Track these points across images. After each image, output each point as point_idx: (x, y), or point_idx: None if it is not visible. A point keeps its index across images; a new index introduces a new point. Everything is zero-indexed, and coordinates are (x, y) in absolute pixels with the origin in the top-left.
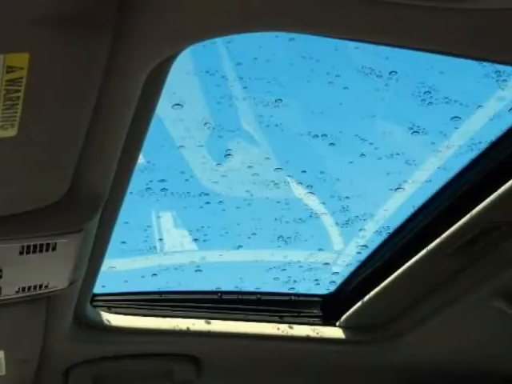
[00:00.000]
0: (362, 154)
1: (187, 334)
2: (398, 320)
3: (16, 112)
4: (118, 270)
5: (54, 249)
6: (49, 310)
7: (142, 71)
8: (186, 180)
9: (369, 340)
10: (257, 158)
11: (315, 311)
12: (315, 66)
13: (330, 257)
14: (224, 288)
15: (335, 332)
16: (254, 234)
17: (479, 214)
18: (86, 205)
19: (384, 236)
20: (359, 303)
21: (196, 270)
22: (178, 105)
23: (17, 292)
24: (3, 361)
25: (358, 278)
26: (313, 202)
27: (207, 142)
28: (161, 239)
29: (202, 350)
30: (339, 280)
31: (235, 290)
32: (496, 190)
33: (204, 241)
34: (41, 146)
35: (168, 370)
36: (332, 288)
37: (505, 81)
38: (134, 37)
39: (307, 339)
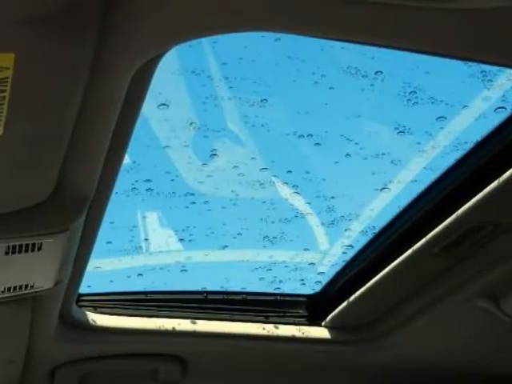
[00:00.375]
0: (348, 154)
1: (173, 333)
2: (384, 320)
3: (1, 112)
4: (104, 270)
5: (39, 249)
6: (34, 310)
7: (128, 71)
8: (172, 180)
9: (354, 340)
10: (242, 158)
11: (301, 311)
12: (301, 65)
13: (316, 257)
14: (209, 288)
15: (321, 332)
16: (239, 234)
17: (465, 213)
18: (72, 205)
19: (369, 236)
20: (345, 303)
21: (181, 270)
22: (164, 105)
23: (2, 292)
24: None
25: (343, 278)
26: (298, 202)
27: (193, 142)
28: (146, 239)
29: (188, 350)
30: (325, 280)
31: (221, 290)
32: (481, 190)
33: (189, 241)
34: (26, 145)
35: (153, 370)
36: (317, 288)
37: (490, 81)
38: (119, 37)
39: (293, 339)
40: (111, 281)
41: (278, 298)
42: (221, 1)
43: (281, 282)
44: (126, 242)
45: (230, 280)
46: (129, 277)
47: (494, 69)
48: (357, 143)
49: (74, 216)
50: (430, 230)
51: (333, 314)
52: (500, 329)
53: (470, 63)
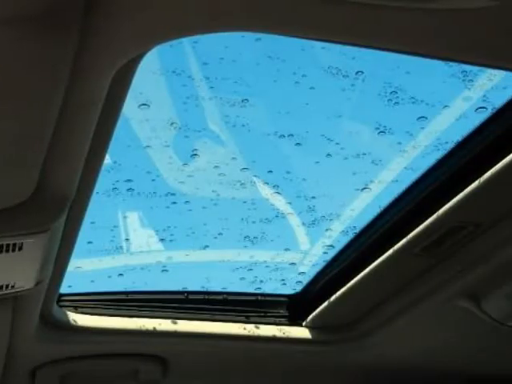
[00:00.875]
0: (329, 154)
1: (153, 333)
2: (365, 320)
3: None
4: (85, 270)
5: (20, 249)
6: (15, 310)
7: (109, 71)
8: (153, 180)
9: (335, 340)
10: (223, 158)
11: (281, 311)
12: (281, 65)
13: (297, 257)
14: (190, 288)
15: (301, 332)
16: (220, 234)
17: (445, 213)
18: (53, 205)
19: (350, 236)
20: (325, 303)
21: (162, 270)
22: (145, 105)
23: None
24: None
25: (324, 278)
26: (279, 202)
27: (173, 141)
28: (127, 239)
29: (168, 350)
30: (306, 280)
31: (201, 290)
32: (462, 190)
33: (170, 241)
34: (7, 145)
35: (134, 370)
36: (298, 288)
37: (471, 81)
38: (100, 37)
39: (273, 339)
40: (92, 281)
41: (259, 298)
42: (201, 1)
43: (262, 281)
44: (106, 242)
45: (210, 280)
46: (110, 277)
47: (475, 69)
48: (338, 143)
49: (54, 216)
50: (411, 230)
51: (314, 313)
52: (481, 329)
53: (451, 63)
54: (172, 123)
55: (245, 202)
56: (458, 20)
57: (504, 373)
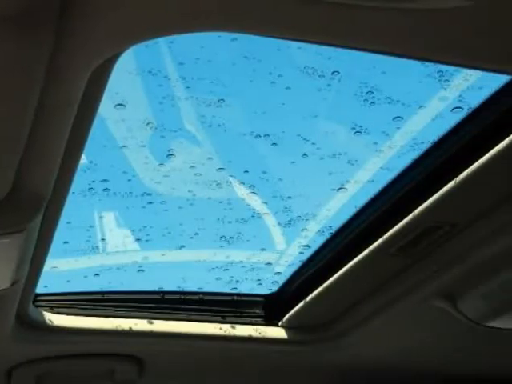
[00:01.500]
0: (305, 154)
1: (129, 333)
2: (341, 320)
3: None
4: (61, 270)
5: None
6: None
7: (85, 71)
8: (129, 180)
9: (311, 340)
10: (199, 158)
11: (257, 311)
12: (257, 65)
13: (273, 257)
14: (166, 288)
15: (277, 332)
16: (196, 234)
17: (421, 213)
18: (29, 205)
19: (326, 236)
20: (301, 303)
21: (138, 270)
22: (121, 105)
23: None
24: None
25: (300, 278)
26: (255, 202)
27: (149, 141)
28: (103, 239)
29: (144, 350)
30: (281, 280)
31: (177, 290)
32: (438, 190)
33: (146, 241)
34: None
35: (110, 370)
36: (274, 288)
37: (447, 81)
38: (75, 37)
39: (249, 339)
40: (68, 281)
41: (235, 298)
42: (177, 1)
43: (238, 282)
44: (82, 242)
45: (186, 280)
46: (85, 277)
47: (451, 69)
48: (314, 143)
49: (30, 216)
50: (387, 230)
51: (289, 313)
52: (457, 329)
53: (427, 63)
54: (148, 123)
55: (221, 202)
56: (433, 20)
57: (480, 373)
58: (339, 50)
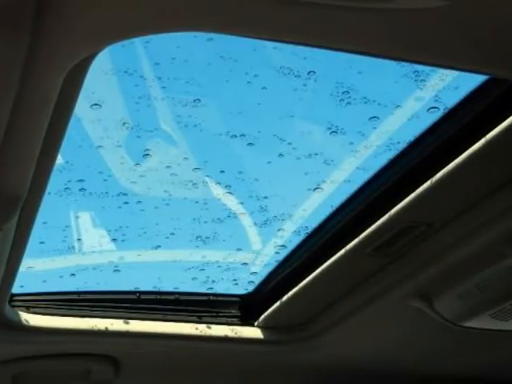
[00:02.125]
0: (281, 154)
1: (105, 333)
2: (317, 320)
3: None
4: (37, 270)
5: None
6: None
7: (61, 71)
8: (105, 180)
9: (287, 340)
10: (175, 158)
11: (233, 311)
12: (233, 65)
13: (249, 257)
14: (142, 288)
15: (254, 332)
16: (172, 234)
17: (397, 213)
18: (4, 205)
19: (302, 236)
20: (278, 303)
21: (114, 270)
22: (97, 105)
23: None
24: None
25: (276, 278)
26: (231, 202)
27: (125, 141)
28: (79, 239)
29: (121, 350)
30: (257, 280)
31: (153, 289)
32: (414, 190)
33: (122, 241)
34: None
35: (86, 370)
36: (250, 288)
37: (423, 81)
38: (51, 37)
39: (226, 339)
40: (44, 281)
41: (211, 298)
42: (153, 1)
43: (214, 281)
44: (58, 242)
45: (162, 280)
46: (61, 277)
47: (427, 69)
48: (290, 143)
49: (6, 216)
50: (363, 230)
51: (266, 313)
52: (433, 329)
53: (403, 63)
54: (124, 123)
55: (197, 202)
56: (409, 20)
57: (456, 372)
58: (315, 49)
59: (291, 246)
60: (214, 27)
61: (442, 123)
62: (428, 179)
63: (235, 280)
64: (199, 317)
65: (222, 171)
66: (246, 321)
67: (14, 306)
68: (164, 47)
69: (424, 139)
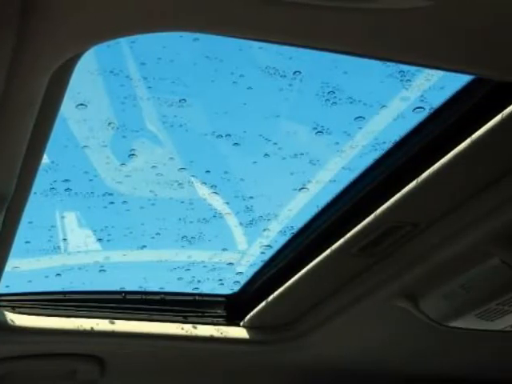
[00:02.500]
0: (266, 154)
1: (91, 333)
2: (303, 320)
3: None
4: (22, 270)
5: None
6: None
7: (46, 71)
8: (90, 180)
9: (273, 340)
10: (161, 158)
11: (219, 311)
12: (219, 65)
13: (234, 257)
14: (128, 288)
15: (239, 332)
16: (158, 233)
17: (383, 213)
18: None
19: (288, 236)
20: (263, 303)
21: (100, 270)
22: (82, 105)
23: None
24: None
25: (262, 278)
26: (217, 202)
27: (111, 141)
28: (65, 239)
29: (106, 350)
30: (243, 280)
31: (139, 289)
32: (400, 190)
33: (108, 241)
34: None
35: (72, 370)
36: (236, 288)
37: (409, 81)
38: (37, 37)
39: (211, 339)
40: (29, 281)
41: (197, 297)
42: (138, 1)
43: (199, 281)
44: (44, 241)
45: (148, 280)
46: (47, 277)
47: (413, 69)
48: (275, 143)
49: None
50: (349, 230)
51: (251, 314)
52: (418, 329)
53: (389, 63)
54: (110, 123)
55: (182, 202)
56: (394, 20)
57: (441, 372)
58: (301, 49)
59: (277, 246)
60: (199, 27)
61: (427, 123)
62: (414, 179)
63: (221, 280)
64: (185, 317)
65: (208, 171)
66: (232, 321)
67: None
68: (150, 47)
69: (410, 139)
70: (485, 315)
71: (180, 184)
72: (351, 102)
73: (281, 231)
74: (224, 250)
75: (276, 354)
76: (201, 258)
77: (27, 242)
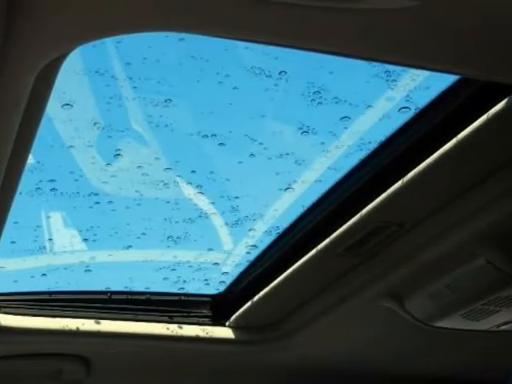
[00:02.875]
0: (252, 154)
1: (77, 333)
2: (288, 320)
3: None
4: (8, 270)
5: None
6: None
7: (32, 71)
8: (76, 180)
9: (258, 340)
10: (146, 158)
11: (205, 311)
12: (205, 65)
13: (220, 257)
14: (113, 288)
15: (225, 332)
16: (143, 234)
17: (369, 213)
18: None
19: (273, 236)
20: (249, 303)
21: (85, 270)
22: (68, 105)
23: None
24: None
25: (247, 278)
26: (202, 202)
27: (97, 141)
28: (50, 239)
29: (92, 350)
30: (229, 280)
31: (125, 289)
32: (385, 190)
33: (93, 241)
34: None
35: (57, 370)
36: (221, 288)
37: (394, 81)
38: (22, 37)
39: (197, 339)
40: (15, 281)
41: (182, 297)
42: (123, 1)
43: (185, 281)
44: (30, 241)
45: (134, 280)
46: (33, 277)
47: (398, 69)
48: (261, 143)
49: None
50: (334, 230)
51: (237, 313)
52: (404, 329)
53: (374, 63)
54: (95, 123)
55: (168, 202)
56: (380, 20)
57: (427, 372)
58: (286, 49)
59: (262, 246)
60: (185, 27)
61: (413, 123)
62: (399, 179)
63: (206, 280)
64: (170, 317)
65: (194, 171)
66: (217, 321)
67: None
68: (135, 47)
69: (395, 139)
70: (470, 315)
71: (166, 184)
72: (337, 102)
73: (266, 231)
74: (210, 249)
75: (261, 353)
76: (186, 258)
77: (13, 242)
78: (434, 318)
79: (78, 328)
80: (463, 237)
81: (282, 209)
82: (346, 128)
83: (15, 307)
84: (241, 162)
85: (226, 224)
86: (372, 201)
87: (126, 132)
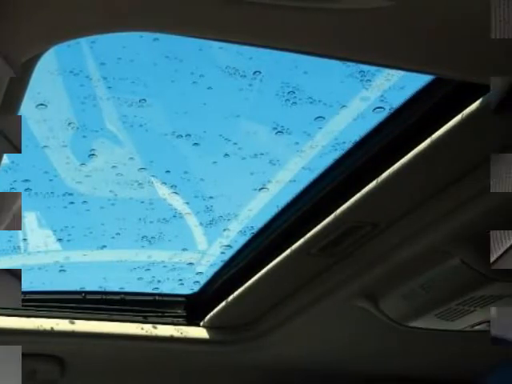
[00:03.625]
0: (226, 154)
1: (51, 333)
2: (262, 320)
3: None
4: None
5: None
6: None
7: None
8: (50, 180)
9: (233, 340)
10: (121, 158)
11: (179, 311)
12: (179, 65)
13: (194, 257)
14: (88, 288)
15: (199, 332)
16: (118, 233)
17: (343, 214)
18: None
19: (248, 236)
20: (223, 303)
21: (60, 270)
22: (42, 105)
23: None
24: None
25: (222, 278)
26: (177, 202)
27: (71, 141)
28: (25, 239)
29: (66, 350)
30: (203, 280)
31: (99, 289)
32: (360, 190)
33: (68, 241)
34: None
35: (32, 370)
36: (196, 288)
37: (369, 81)
38: None
39: (171, 339)
40: None
41: (157, 297)
42: (98, 1)
43: (159, 281)
44: (4, 242)
45: (108, 280)
46: None
47: (373, 69)
48: (235, 143)
49: None
50: (309, 230)
51: (211, 314)
52: (379, 329)
53: (349, 63)
54: (70, 123)
55: (142, 202)
56: (355, 20)
57: (402, 372)
58: (261, 49)
59: (237, 246)
60: (159, 27)
61: (387, 123)
62: (373, 179)
63: (181, 280)
64: (145, 317)
65: (168, 171)
66: (192, 321)
67: None
68: (110, 47)
69: (369, 139)
70: (445, 315)
71: (140, 184)
72: (311, 102)
73: (241, 231)
74: (184, 249)
75: (236, 353)
76: (161, 257)
77: None
78: (408, 317)
79: (52, 328)
80: (438, 237)
81: (256, 209)
82: (320, 128)
83: None
84: (215, 162)
85: (201, 224)
86: (346, 201)
87: (101, 132)
